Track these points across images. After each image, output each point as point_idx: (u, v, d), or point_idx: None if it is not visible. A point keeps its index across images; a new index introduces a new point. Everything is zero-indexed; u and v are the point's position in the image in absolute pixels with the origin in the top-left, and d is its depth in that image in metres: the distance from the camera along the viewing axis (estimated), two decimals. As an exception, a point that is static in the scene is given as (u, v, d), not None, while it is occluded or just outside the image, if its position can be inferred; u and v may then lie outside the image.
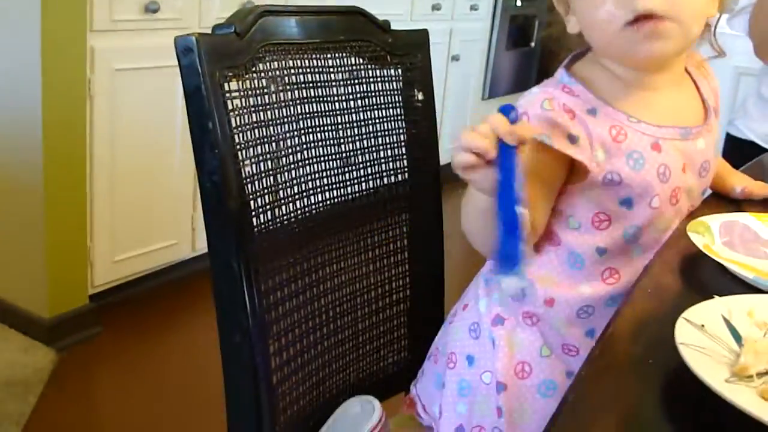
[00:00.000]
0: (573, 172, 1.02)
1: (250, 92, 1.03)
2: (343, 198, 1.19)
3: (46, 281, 2.45)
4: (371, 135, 1.23)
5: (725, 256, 0.95)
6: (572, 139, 0.99)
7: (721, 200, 1.24)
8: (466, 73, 4.54)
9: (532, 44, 5.25)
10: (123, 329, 2.64)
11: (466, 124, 4.68)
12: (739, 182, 1.26)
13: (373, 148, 1.24)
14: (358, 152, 1.21)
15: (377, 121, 1.24)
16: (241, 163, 1.00)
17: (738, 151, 2.15)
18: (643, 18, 0.95)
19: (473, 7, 4.48)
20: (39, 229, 2.41)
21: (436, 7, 4.11)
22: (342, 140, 1.18)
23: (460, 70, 4.44)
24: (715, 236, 1.00)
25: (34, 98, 2.30)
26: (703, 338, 0.69)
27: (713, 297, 0.77)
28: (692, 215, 1.07)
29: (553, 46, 1.12)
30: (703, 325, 0.70)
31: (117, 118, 2.51)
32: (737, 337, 0.70)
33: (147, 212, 2.72)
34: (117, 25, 2.47)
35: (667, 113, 1.06)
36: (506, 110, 0.78)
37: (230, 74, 1.00)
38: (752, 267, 0.93)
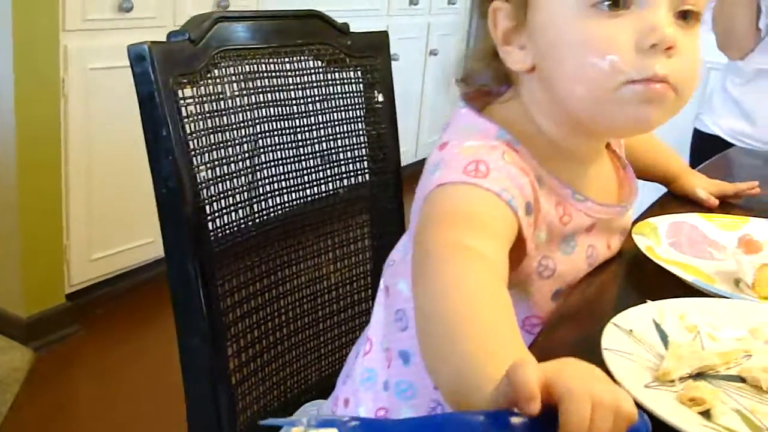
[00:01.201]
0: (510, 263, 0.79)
1: (205, 98, 1.04)
2: (302, 200, 1.20)
3: (22, 281, 2.46)
4: (330, 137, 1.25)
5: (669, 258, 0.95)
6: (529, 210, 0.82)
7: (675, 200, 1.26)
8: (444, 67, 4.56)
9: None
10: (100, 328, 2.65)
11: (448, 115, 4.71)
12: (698, 183, 1.26)
13: (333, 151, 1.25)
14: (317, 155, 1.23)
15: (336, 123, 1.26)
16: (196, 169, 1.02)
17: (704, 145, 2.18)
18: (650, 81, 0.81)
19: (450, 1, 4.50)
20: (14, 228, 2.41)
21: (413, 2, 4.12)
22: (300, 143, 1.20)
23: (439, 64, 4.46)
24: (661, 237, 1.00)
25: (6, 98, 2.30)
26: (631, 343, 0.69)
27: (646, 301, 0.77)
28: (642, 217, 1.08)
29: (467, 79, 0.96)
30: (631, 330, 0.71)
31: (91, 116, 2.51)
32: (666, 342, 0.71)
33: (123, 210, 2.72)
34: (90, 24, 2.48)
35: (604, 188, 0.96)
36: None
37: (184, 81, 1.01)
38: (695, 268, 0.94)
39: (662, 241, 1.00)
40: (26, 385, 2.33)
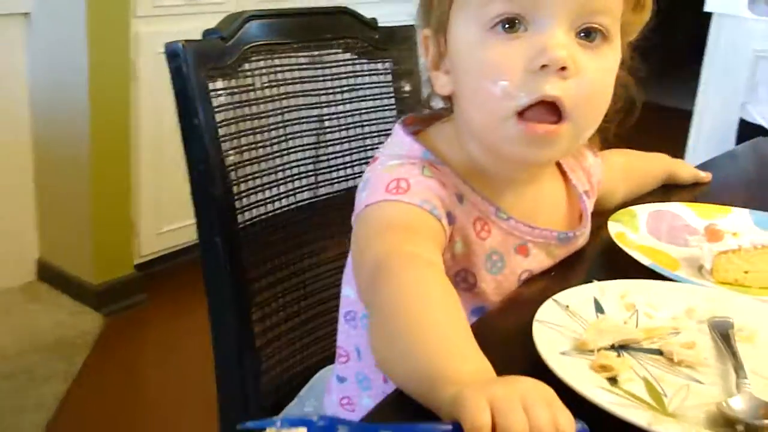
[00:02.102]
0: None
1: (235, 90, 1.15)
2: (329, 183, 1.31)
3: (94, 251, 2.64)
4: (358, 124, 1.35)
5: (643, 244, 1.03)
6: (451, 220, 0.85)
7: (677, 187, 1.32)
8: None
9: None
10: (166, 298, 2.81)
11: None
12: (689, 168, 1.34)
13: (360, 136, 1.35)
14: (345, 140, 1.33)
15: (365, 111, 1.36)
16: (225, 154, 1.13)
17: (749, 135, 2.21)
18: (540, 109, 0.80)
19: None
20: (87, 203, 2.58)
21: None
22: (329, 130, 1.30)
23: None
24: (640, 224, 1.08)
25: (81, 80, 2.47)
26: (564, 317, 0.77)
27: (593, 281, 0.85)
28: (625, 205, 1.15)
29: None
30: (567, 306, 0.78)
31: (160, 97, 2.65)
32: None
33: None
34: (160, 10, 2.63)
35: (541, 211, 0.94)
36: None
37: (215, 74, 1.12)
38: (664, 253, 1.01)
39: (640, 228, 1.07)
40: (95, 348, 2.50)
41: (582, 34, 0.80)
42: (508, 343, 0.76)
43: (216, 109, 1.12)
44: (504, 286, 0.90)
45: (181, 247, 2.91)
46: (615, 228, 1.03)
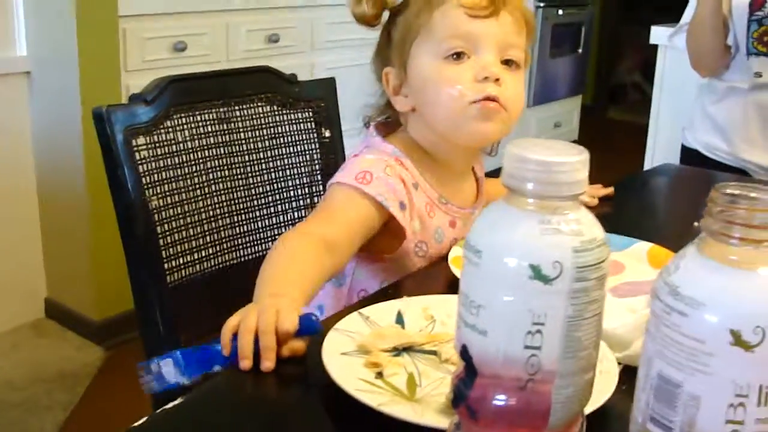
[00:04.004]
0: (390, 239, 1.20)
1: (157, 144, 1.34)
2: (252, 222, 1.49)
3: (96, 288, 2.84)
4: (280, 168, 1.53)
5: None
6: (402, 207, 1.18)
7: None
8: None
9: (580, 50, 5.45)
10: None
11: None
12: None
13: (282, 179, 1.53)
14: (266, 183, 1.51)
15: (287, 156, 1.54)
16: (148, 199, 1.32)
17: (688, 160, 2.34)
18: (486, 100, 1.15)
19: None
20: (87, 241, 2.79)
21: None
22: (250, 174, 1.48)
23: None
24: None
25: (77, 131, 2.68)
26: (362, 325, 0.92)
27: (403, 297, 1.00)
28: None
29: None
30: (368, 317, 0.94)
31: (152, 145, 2.87)
32: (403, 326, 0.94)
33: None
34: (149, 64, 2.84)
35: (464, 195, 1.30)
36: (310, 325, 0.85)
37: (138, 132, 1.31)
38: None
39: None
40: (96, 379, 2.69)
41: (504, 62, 1.18)
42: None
43: (139, 162, 1.31)
44: (443, 251, 1.23)
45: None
46: (455, 251, 1.17)
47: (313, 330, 0.84)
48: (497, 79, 1.15)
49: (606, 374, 0.81)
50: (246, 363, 0.83)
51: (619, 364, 0.85)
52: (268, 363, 0.83)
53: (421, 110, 1.23)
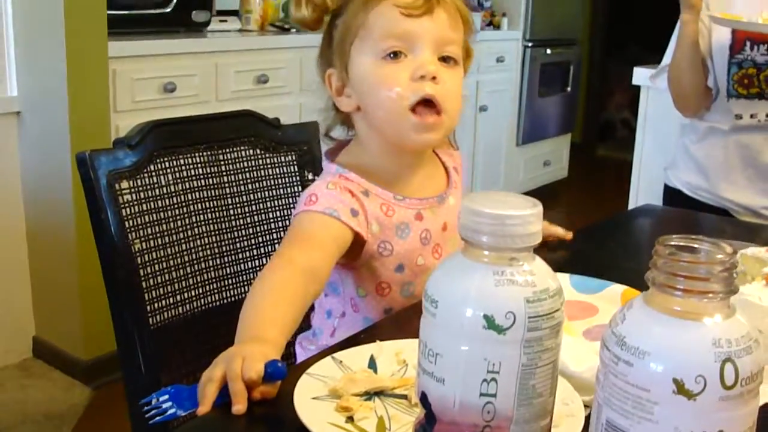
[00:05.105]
0: (355, 249, 1.21)
1: (140, 188, 1.36)
2: (235, 264, 1.51)
3: (83, 328, 2.85)
4: (263, 211, 1.55)
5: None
6: (354, 213, 1.19)
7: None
8: (495, 122, 4.81)
9: (569, 89, 5.51)
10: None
11: (500, 169, 4.97)
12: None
13: (265, 222, 1.55)
14: (249, 225, 1.53)
15: (270, 199, 1.56)
16: (131, 242, 1.33)
17: (670, 199, 2.37)
18: (425, 107, 1.17)
19: (499, 59, 4.76)
20: (75, 282, 2.81)
21: (458, 63, 4.40)
22: (233, 217, 1.51)
23: (489, 119, 4.72)
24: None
25: (66, 171, 2.71)
26: (335, 369, 0.93)
27: (376, 341, 1.02)
28: None
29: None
30: (341, 361, 0.95)
31: (141, 185, 2.89)
32: (375, 371, 0.95)
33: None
34: (138, 105, 2.87)
35: (424, 186, 1.29)
36: (275, 371, 0.87)
37: (121, 177, 1.33)
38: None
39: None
40: (82, 419, 2.69)
41: (441, 59, 1.19)
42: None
43: (123, 206, 1.33)
44: (411, 245, 1.25)
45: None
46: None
47: (278, 376, 0.86)
48: (434, 78, 1.17)
49: (573, 418, 0.83)
50: (203, 409, 0.85)
51: (587, 407, 0.87)
52: (239, 406, 0.85)
53: (364, 110, 1.24)
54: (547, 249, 1.46)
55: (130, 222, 1.35)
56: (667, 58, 2.27)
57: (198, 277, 1.45)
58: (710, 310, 0.56)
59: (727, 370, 0.55)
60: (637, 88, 2.99)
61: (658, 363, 0.55)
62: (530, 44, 4.98)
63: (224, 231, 1.50)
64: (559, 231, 1.54)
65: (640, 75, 2.85)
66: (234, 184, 1.52)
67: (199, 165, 1.46)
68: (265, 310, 1.01)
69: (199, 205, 1.46)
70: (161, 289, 1.39)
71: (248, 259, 1.53)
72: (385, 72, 1.19)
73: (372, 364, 0.97)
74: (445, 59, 1.20)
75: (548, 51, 5.16)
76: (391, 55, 1.18)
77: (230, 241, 1.50)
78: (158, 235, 1.39)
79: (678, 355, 0.55)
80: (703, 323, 0.56)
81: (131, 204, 1.35)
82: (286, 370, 0.87)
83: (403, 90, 1.17)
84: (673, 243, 0.58)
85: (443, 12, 1.20)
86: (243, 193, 1.53)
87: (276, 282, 1.06)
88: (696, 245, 0.58)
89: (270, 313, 1.01)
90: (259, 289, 1.06)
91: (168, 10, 3.15)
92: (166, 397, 0.91)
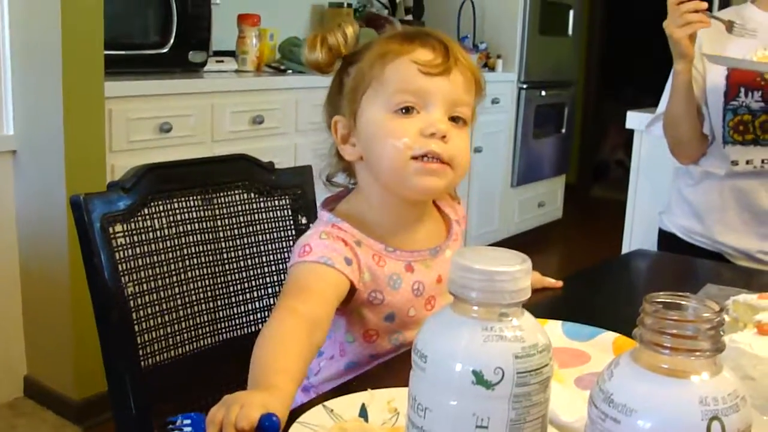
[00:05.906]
0: (347, 296, 1.21)
1: (134, 231, 1.37)
2: (228, 308, 1.51)
3: (75, 368, 2.83)
4: (256, 255, 1.55)
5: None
6: (348, 261, 1.19)
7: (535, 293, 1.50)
8: (490, 163, 4.83)
9: (563, 130, 5.54)
10: (144, 409, 2.98)
11: (495, 210, 4.98)
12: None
13: (258, 266, 1.56)
14: (243, 269, 1.53)
15: (264, 243, 1.57)
16: (124, 286, 1.34)
17: (665, 243, 2.37)
18: (430, 157, 1.18)
19: (495, 101, 4.79)
20: (68, 323, 2.80)
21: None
22: (226, 261, 1.51)
23: (484, 161, 4.73)
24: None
25: (61, 211, 2.71)
26: (326, 418, 0.94)
27: (367, 389, 1.02)
28: None
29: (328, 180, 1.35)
30: (332, 410, 0.96)
31: (136, 224, 2.90)
32: (366, 419, 0.95)
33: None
34: (134, 144, 2.88)
35: (419, 239, 1.29)
36: (270, 425, 0.87)
37: (115, 220, 1.34)
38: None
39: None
40: (73, 459, 2.68)
41: (451, 119, 1.21)
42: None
43: (116, 249, 1.33)
44: (403, 296, 1.25)
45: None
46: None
47: (272, 430, 0.86)
48: (444, 136, 1.19)
49: (563, 468, 0.83)
50: None
51: (577, 457, 0.87)
52: None
53: (367, 160, 1.25)
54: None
55: (124, 265, 1.35)
56: (661, 106, 2.27)
57: (191, 320, 1.45)
58: (697, 368, 0.57)
59: (714, 429, 0.55)
60: (632, 129, 3.01)
61: (645, 420, 0.56)
62: (525, 86, 5.02)
63: (218, 274, 1.50)
64: (549, 282, 1.55)
65: (634, 119, 2.88)
66: (228, 227, 1.52)
67: (193, 208, 1.47)
68: (277, 360, 1.02)
69: (193, 248, 1.46)
70: (154, 332, 1.39)
71: (241, 302, 1.53)
72: (394, 124, 1.20)
73: (363, 413, 0.97)
74: (454, 119, 1.22)
75: (543, 93, 5.19)
76: (404, 110, 1.20)
77: (223, 285, 1.51)
78: (152, 278, 1.39)
79: (665, 414, 0.55)
80: (690, 381, 0.57)
81: (125, 247, 1.35)
82: (280, 425, 0.86)
83: (411, 141, 1.19)
84: (660, 300, 0.58)
85: (459, 74, 1.22)
86: (237, 236, 1.53)
87: (283, 332, 1.07)
88: (683, 302, 0.58)
89: (281, 363, 1.01)
90: (269, 339, 1.06)
91: (165, 50, 3.18)
92: (189, 421, 0.93)
